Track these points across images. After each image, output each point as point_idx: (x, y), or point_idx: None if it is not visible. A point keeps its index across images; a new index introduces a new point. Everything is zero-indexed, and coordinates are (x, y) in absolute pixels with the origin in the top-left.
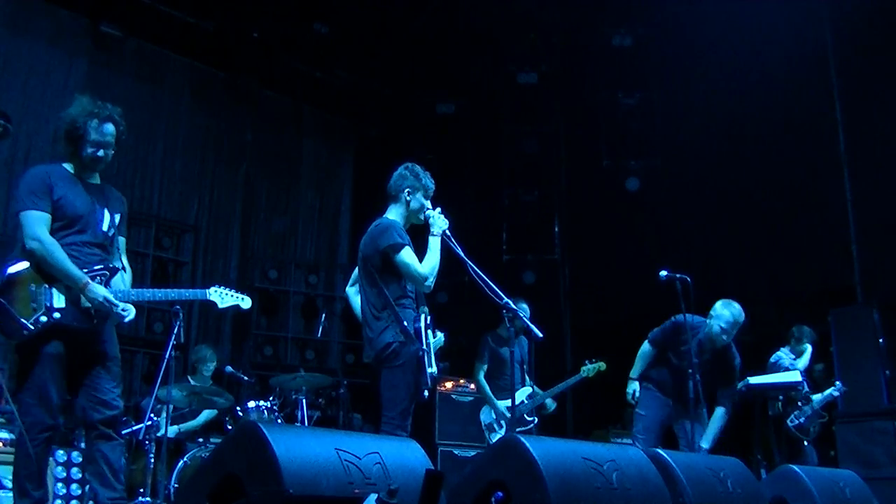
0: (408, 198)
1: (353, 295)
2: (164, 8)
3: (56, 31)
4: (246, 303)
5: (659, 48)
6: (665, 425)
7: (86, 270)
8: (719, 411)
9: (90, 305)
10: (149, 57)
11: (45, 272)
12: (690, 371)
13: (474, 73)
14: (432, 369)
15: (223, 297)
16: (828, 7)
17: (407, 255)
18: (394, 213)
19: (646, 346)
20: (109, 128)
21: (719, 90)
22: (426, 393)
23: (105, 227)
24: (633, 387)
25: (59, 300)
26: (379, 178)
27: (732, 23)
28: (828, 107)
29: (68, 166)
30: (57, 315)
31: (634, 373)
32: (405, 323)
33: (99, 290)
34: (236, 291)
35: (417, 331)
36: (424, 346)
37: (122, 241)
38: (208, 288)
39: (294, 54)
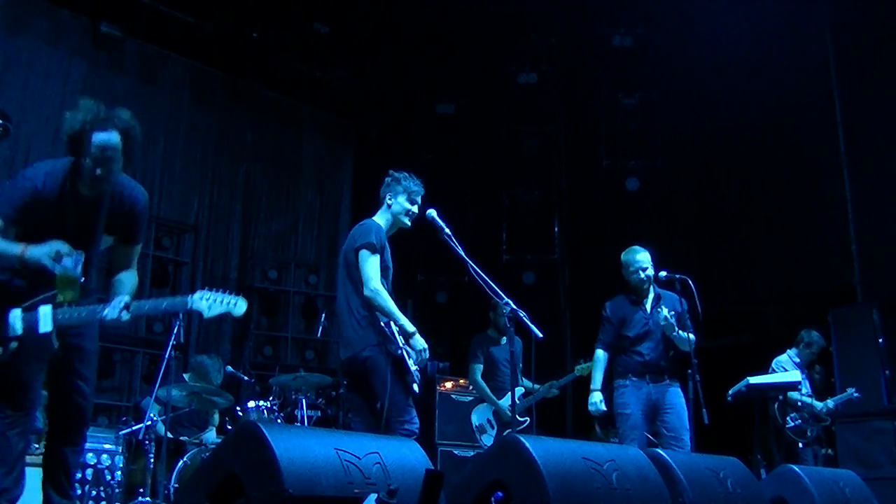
0: (389, 201)
1: None
2: (164, 8)
3: (56, 31)
4: (239, 308)
5: (659, 48)
6: (650, 417)
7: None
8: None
9: (50, 330)
10: (149, 57)
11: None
12: (690, 371)
13: (474, 73)
14: (414, 368)
15: (211, 304)
16: (828, 7)
17: (372, 262)
18: (379, 217)
19: (599, 354)
20: (113, 138)
21: (719, 90)
22: (416, 387)
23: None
24: (596, 397)
25: (15, 327)
26: (379, 178)
27: (732, 23)
28: (828, 107)
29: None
30: (13, 345)
31: (596, 384)
32: (381, 323)
33: (35, 251)
34: (229, 295)
35: (392, 332)
36: (402, 346)
37: (135, 249)
38: (192, 295)
39: (294, 54)
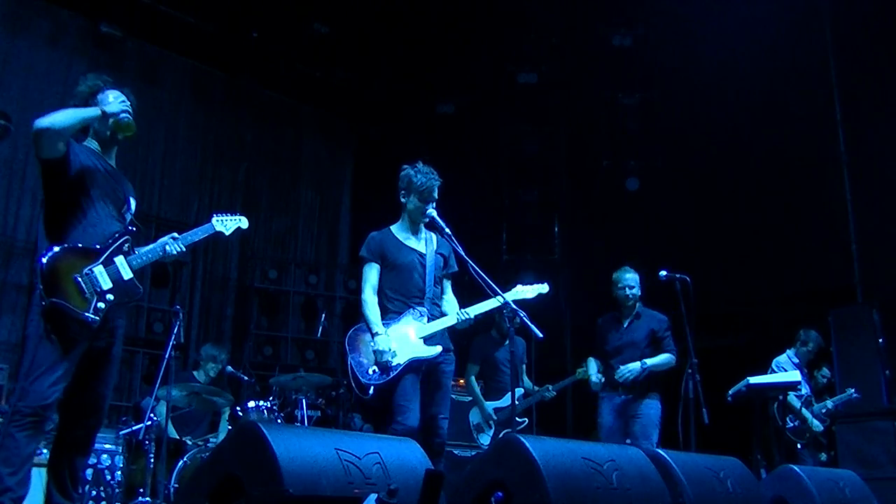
0: (403, 200)
1: None
2: (164, 8)
3: (56, 31)
4: (244, 222)
5: (659, 48)
6: (622, 427)
7: (111, 241)
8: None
9: (132, 276)
10: (149, 57)
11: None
12: (690, 371)
13: (474, 73)
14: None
15: (226, 224)
16: (828, 7)
17: (365, 272)
18: (400, 219)
19: (590, 359)
20: (122, 95)
21: (719, 90)
22: (370, 390)
23: (132, 210)
24: (595, 377)
25: (104, 281)
26: (379, 178)
27: (732, 23)
28: (828, 107)
29: (92, 143)
30: (110, 297)
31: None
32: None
33: (109, 107)
34: (234, 215)
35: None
36: (349, 359)
37: None
38: (212, 220)
39: (294, 54)
